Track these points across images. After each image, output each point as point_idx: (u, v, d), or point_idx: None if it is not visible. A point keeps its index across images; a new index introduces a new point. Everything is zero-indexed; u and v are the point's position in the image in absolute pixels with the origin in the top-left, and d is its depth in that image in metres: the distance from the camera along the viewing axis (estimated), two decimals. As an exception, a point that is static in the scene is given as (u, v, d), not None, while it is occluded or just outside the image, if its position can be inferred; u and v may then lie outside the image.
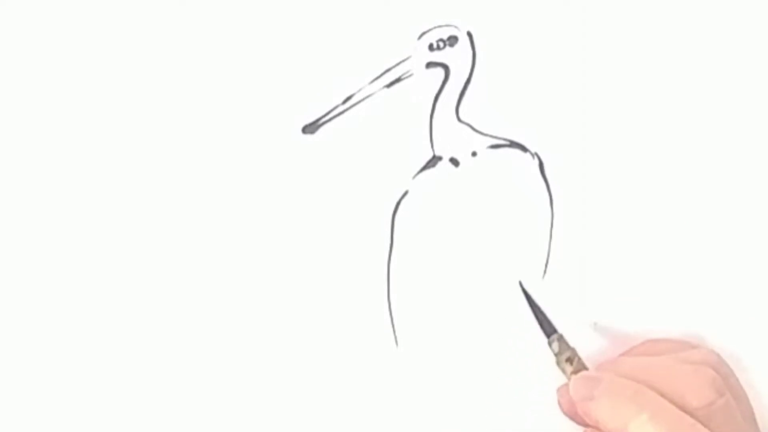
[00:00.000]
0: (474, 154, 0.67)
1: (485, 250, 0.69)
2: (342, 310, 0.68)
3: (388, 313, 0.68)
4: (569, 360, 0.66)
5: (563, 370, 0.65)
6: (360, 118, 0.66)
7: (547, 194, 0.69)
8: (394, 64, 0.66)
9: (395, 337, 0.68)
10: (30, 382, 0.67)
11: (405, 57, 0.66)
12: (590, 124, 0.69)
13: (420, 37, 0.66)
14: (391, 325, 0.68)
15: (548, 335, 0.67)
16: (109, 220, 0.66)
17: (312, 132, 0.65)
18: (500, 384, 0.70)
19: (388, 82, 0.66)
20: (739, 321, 0.71)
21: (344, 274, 0.67)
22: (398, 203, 0.67)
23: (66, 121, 0.66)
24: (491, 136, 0.68)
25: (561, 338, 0.66)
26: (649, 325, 0.70)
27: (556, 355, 0.66)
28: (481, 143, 0.68)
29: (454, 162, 0.67)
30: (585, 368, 0.65)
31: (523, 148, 0.68)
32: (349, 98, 0.66)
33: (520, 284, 0.68)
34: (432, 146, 0.67)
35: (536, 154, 0.68)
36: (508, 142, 0.68)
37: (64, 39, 0.65)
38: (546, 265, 0.69)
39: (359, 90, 0.66)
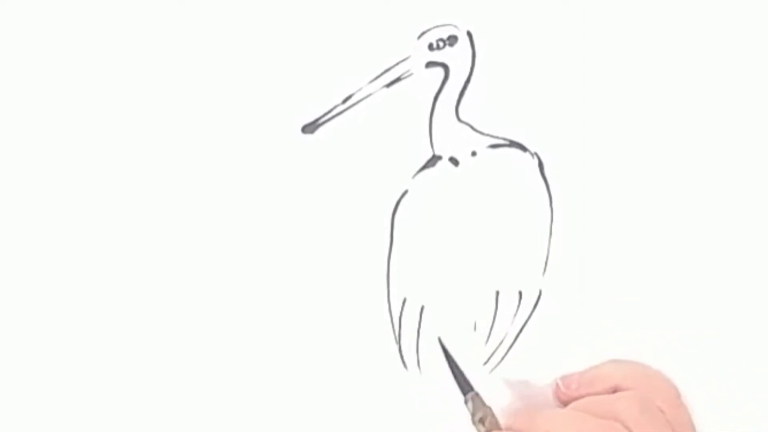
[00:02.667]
0: (474, 153, 0.67)
1: (485, 250, 0.69)
2: (342, 309, 0.68)
3: (388, 312, 0.68)
4: (482, 420, 0.66)
5: (477, 430, 0.66)
6: (360, 118, 0.66)
7: (547, 194, 0.69)
8: (393, 63, 0.66)
9: (395, 337, 0.68)
10: (29, 381, 0.67)
11: (405, 57, 0.66)
12: (590, 124, 0.69)
13: (420, 36, 0.66)
14: (390, 325, 0.68)
15: (464, 393, 0.67)
16: (109, 220, 0.66)
17: (311, 132, 0.65)
18: (500, 381, 0.70)
19: (387, 81, 0.66)
20: (738, 321, 0.71)
21: (344, 274, 0.67)
22: (398, 203, 0.67)
23: (66, 121, 0.66)
24: (491, 136, 0.68)
25: (476, 397, 0.66)
26: (647, 324, 0.70)
27: (471, 414, 0.66)
28: (480, 143, 0.68)
29: (454, 162, 0.67)
30: (498, 427, 0.66)
31: (523, 148, 0.68)
32: (348, 98, 0.66)
33: (440, 341, 0.68)
34: (432, 146, 0.67)
35: (536, 154, 0.68)
36: (507, 142, 0.68)
37: (64, 39, 0.65)
38: (546, 265, 0.69)
39: (359, 90, 0.66)
